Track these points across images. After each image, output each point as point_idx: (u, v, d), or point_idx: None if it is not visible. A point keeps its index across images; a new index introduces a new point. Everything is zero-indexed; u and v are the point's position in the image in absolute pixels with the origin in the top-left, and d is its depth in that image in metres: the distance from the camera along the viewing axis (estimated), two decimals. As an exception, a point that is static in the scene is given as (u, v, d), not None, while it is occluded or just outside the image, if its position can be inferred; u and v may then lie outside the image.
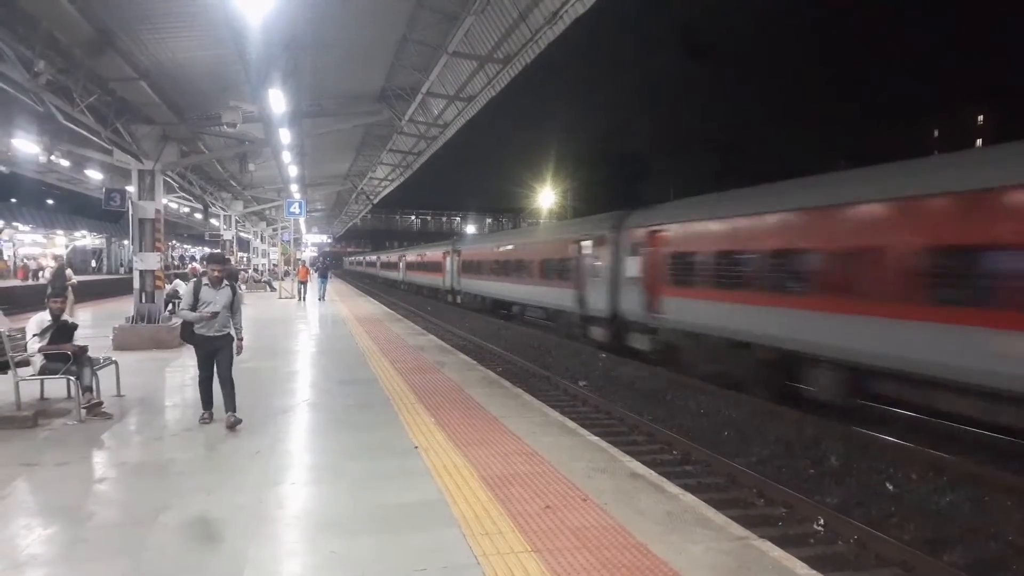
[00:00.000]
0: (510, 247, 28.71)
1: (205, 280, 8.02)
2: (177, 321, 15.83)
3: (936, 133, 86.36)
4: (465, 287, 35.06)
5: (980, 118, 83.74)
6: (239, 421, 7.91)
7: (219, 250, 19.56)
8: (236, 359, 8.27)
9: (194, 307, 7.91)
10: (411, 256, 53.81)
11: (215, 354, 8.05)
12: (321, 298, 31.15)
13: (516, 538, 4.91)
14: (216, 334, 8.02)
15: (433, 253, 44.04)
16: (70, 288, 18.95)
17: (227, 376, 8.06)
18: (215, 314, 7.88)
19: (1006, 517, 7.48)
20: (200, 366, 8.17)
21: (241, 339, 8.31)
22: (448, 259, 38.57)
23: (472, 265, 33.74)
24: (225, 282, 8.09)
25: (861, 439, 10.24)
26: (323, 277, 33.76)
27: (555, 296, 22.57)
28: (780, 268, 12.17)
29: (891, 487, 8.52)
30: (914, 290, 9.49)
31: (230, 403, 8.04)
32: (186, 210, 36.16)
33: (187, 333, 8.06)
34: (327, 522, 5.25)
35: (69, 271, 21.80)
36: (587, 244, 20.32)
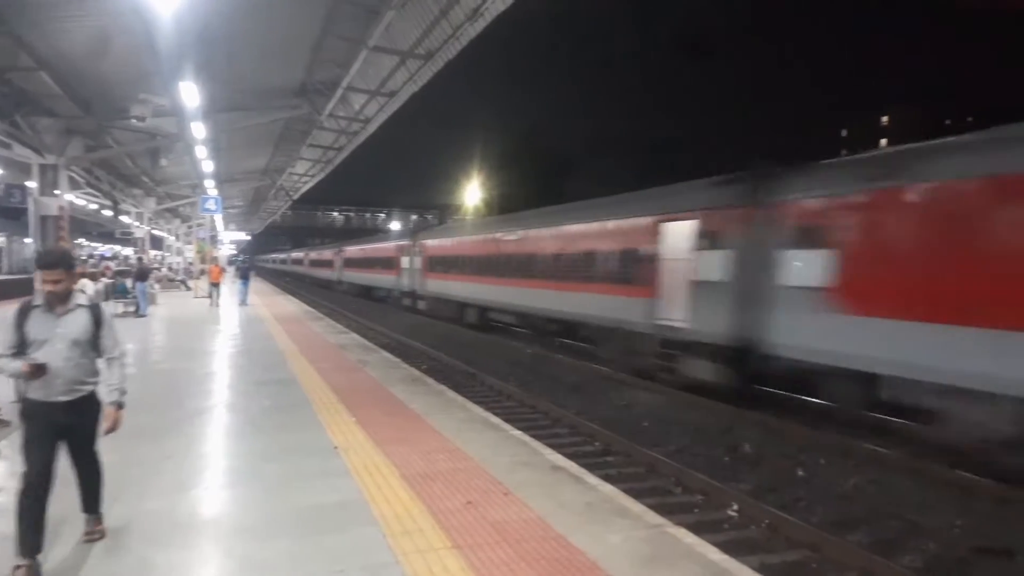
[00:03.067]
0: (369, 247, 42.41)
1: (38, 301, 4.51)
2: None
3: (844, 133, 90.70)
4: (345, 278, 47.86)
5: (884, 119, 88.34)
6: (103, 535, 4.82)
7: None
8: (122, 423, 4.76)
9: (21, 348, 4.38)
10: (313, 255, 68.52)
11: (61, 436, 4.50)
12: (242, 303, 27.20)
13: (437, 535, 4.91)
14: (63, 399, 4.44)
15: (328, 253, 57.73)
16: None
17: (90, 459, 4.77)
18: (38, 367, 4.27)
19: (906, 497, 7.90)
20: (25, 457, 4.35)
21: (119, 404, 4.68)
22: (336, 258, 52.09)
23: (350, 262, 46.85)
24: (78, 302, 4.56)
25: (774, 426, 10.64)
26: (244, 279, 29.32)
27: (390, 281, 35.81)
28: (455, 264, 25.72)
29: (801, 472, 8.88)
30: (472, 271, 23.41)
31: (91, 501, 4.85)
32: (94, 207, 34.56)
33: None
34: (242, 526, 5.13)
35: None
36: (401, 248, 33.60)
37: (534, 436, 8.27)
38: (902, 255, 9.23)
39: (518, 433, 7.96)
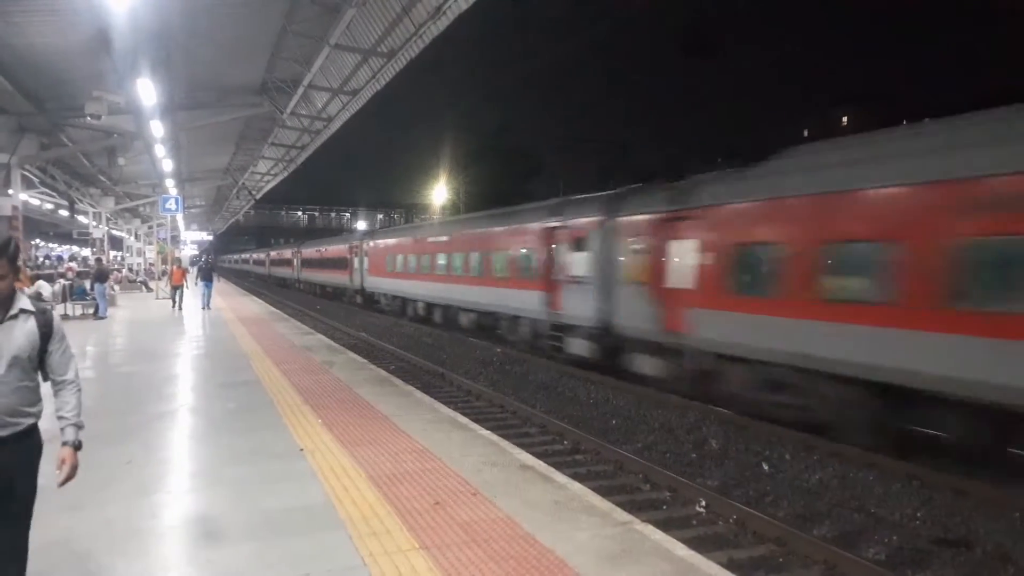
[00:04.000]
0: (283, 253, 64.45)
1: None
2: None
3: (806, 133, 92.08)
4: (273, 273, 68.24)
5: (844, 120, 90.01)
6: None
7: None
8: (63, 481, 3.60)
9: None
10: (255, 256, 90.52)
11: None
12: (205, 306, 25.40)
13: (404, 536, 4.86)
14: None
15: (263, 255, 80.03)
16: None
17: (14, 529, 3.55)
18: None
19: (868, 491, 8.03)
20: None
21: (76, 444, 3.65)
22: (267, 258, 74.31)
23: (274, 262, 68.35)
24: (22, 306, 3.44)
25: (739, 423, 10.75)
26: (207, 280, 26.97)
27: (289, 273, 57.18)
28: (310, 264, 48.29)
29: (767, 467, 8.98)
30: (315, 268, 46.79)
31: None
32: (50, 207, 33.76)
33: None
34: (205, 531, 5.02)
35: None
36: (293, 253, 55.19)
37: (503, 435, 8.27)
38: (376, 260, 31.84)
39: (487, 433, 7.93)
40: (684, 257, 12.01)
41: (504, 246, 18.92)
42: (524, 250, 17.74)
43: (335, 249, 41.69)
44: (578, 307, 14.94)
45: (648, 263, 12.95)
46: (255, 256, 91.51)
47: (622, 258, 13.78)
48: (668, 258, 12.46)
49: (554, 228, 16.18)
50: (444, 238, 24.18)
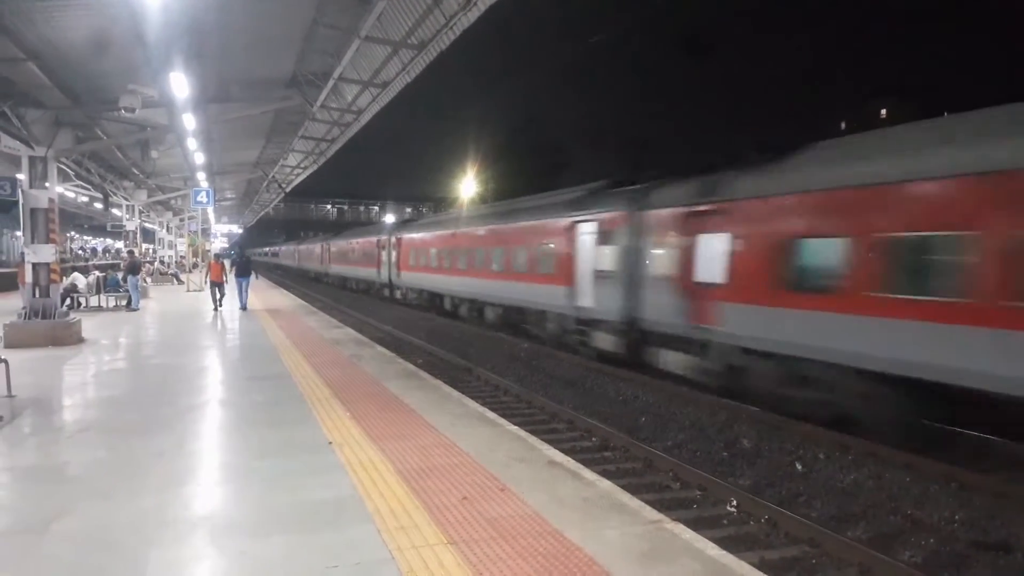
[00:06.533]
0: (311, 246, 66.31)
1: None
2: (75, 317, 15.00)
3: (843, 126, 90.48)
4: (299, 264, 73.17)
5: (883, 112, 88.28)
6: None
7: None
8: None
9: None
10: (281, 249, 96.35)
11: None
12: (243, 307, 22.40)
13: (432, 531, 4.83)
14: None
15: (288, 248, 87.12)
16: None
17: None
18: None
19: (904, 492, 7.86)
20: None
21: None
22: (294, 251, 79.61)
23: (300, 254, 73.82)
24: None
25: (772, 422, 10.59)
26: (242, 276, 23.51)
27: (317, 266, 59.24)
28: (341, 257, 48.54)
29: (800, 467, 8.84)
30: (340, 261, 49.30)
31: None
32: (85, 199, 34.29)
33: None
34: (236, 522, 5.05)
35: None
36: (322, 248, 56.99)
37: (531, 431, 8.22)
38: (404, 254, 32.48)
39: (515, 428, 7.88)
40: None
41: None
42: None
43: (363, 242, 41.32)
44: None
45: None
46: (282, 249, 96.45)
47: None
48: None
49: None
50: (481, 231, 23.15)
